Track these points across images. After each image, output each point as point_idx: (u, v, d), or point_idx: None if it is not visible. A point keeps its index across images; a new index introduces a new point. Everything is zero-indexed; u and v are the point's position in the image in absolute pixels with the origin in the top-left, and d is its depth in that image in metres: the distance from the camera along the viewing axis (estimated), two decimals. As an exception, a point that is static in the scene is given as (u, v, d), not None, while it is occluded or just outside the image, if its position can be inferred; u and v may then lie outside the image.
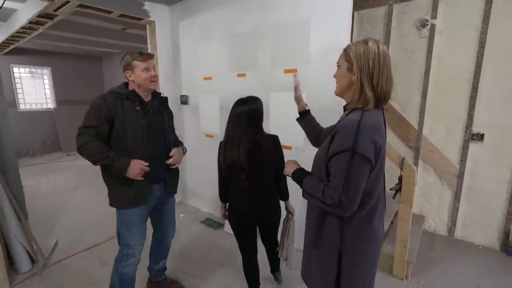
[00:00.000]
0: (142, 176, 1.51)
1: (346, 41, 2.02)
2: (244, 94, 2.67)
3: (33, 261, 2.33)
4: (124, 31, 4.42)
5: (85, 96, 7.37)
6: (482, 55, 2.41)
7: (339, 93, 1.12)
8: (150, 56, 1.60)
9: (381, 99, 1.01)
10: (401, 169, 2.04)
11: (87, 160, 1.48)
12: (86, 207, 3.55)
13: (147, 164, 1.50)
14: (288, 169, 1.22)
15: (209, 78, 3.01)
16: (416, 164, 2.85)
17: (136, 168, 1.47)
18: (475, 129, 2.54)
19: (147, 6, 3.03)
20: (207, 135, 3.18)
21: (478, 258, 2.46)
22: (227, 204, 1.80)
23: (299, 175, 1.15)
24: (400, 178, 2.03)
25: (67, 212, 3.42)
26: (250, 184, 1.56)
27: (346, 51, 1.06)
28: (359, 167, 0.93)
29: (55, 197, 3.89)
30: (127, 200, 1.56)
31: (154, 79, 1.60)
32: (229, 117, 1.59)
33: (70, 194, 4.01)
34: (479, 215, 2.63)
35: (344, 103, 1.13)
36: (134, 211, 1.59)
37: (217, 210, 3.25)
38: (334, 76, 1.13)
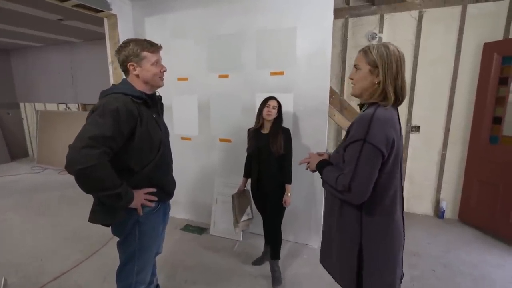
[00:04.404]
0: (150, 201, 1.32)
1: (329, 49, 2.30)
2: (227, 95, 2.75)
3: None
4: (60, 22, 3.78)
5: (-12, 99, 5.90)
6: (416, 64, 3.07)
7: (358, 94, 1.13)
8: (160, 47, 1.36)
9: (400, 99, 1.06)
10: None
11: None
12: (25, 234, 2.92)
13: (152, 190, 1.33)
14: (312, 166, 1.24)
15: (185, 79, 2.90)
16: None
17: (140, 198, 1.29)
18: (414, 122, 3.20)
19: (108, -3, 2.72)
20: (182, 138, 3.05)
21: (422, 224, 3.11)
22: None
23: (320, 166, 1.19)
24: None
25: (1, 244, 2.75)
26: None
27: (367, 53, 1.06)
28: (370, 156, 0.97)
29: (-24, 227, 3.06)
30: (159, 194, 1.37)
31: (163, 75, 1.38)
32: None
33: (-4, 221, 3.22)
34: (418, 190, 3.33)
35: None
36: (159, 215, 1.44)
37: (195, 215, 3.16)
38: (351, 77, 1.13)
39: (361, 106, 1.16)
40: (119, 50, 1.30)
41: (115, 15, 2.83)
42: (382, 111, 1.01)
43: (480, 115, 2.83)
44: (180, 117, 3.03)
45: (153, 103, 1.39)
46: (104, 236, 2.74)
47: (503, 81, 2.67)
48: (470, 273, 2.24)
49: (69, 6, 2.53)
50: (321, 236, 1.30)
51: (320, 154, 1.27)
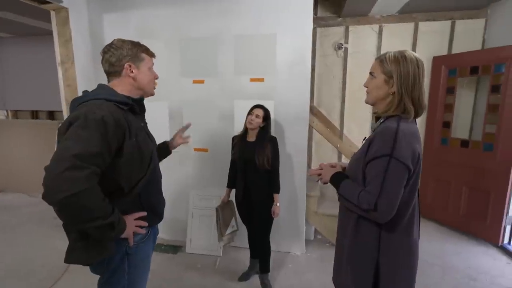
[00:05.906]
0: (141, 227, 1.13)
1: (309, 56, 2.32)
2: (203, 101, 2.59)
3: None
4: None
5: None
6: (378, 73, 3.32)
7: (372, 103, 1.11)
8: (154, 54, 1.23)
9: (420, 111, 1.02)
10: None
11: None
12: None
13: (143, 214, 1.13)
14: (325, 178, 1.17)
15: (153, 84, 2.63)
16: (340, 158, 3.54)
17: (131, 225, 1.08)
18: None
19: (57, -13, 2.33)
20: (150, 149, 2.76)
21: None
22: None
23: (336, 180, 1.12)
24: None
25: None
26: None
27: (382, 62, 1.04)
28: (397, 172, 0.93)
29: None
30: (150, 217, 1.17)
31: (155, 82, 1.26)
32: None
33: None
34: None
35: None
36: (150, 242, 1.23)
37: (165, 233, 2.86)
38: (366, 85, 1.11)
39: (377, 118, 1.12)
40: (109, 49, 1.10)
41: (66, 9, 2.43)
42: (406, 124, 0.99)
43: (432, 121, 3.18)
44: (148, 125, 2.74)
45: (141, 109, 1.20)
46: (55, 269, 2.28)
47: (450, 90, 3.04)
48: (436, 263, 2.46)
49: (6, -6, 2.09)
50: (335, 254, 1.24)
51: (332, 166, 1.22)
